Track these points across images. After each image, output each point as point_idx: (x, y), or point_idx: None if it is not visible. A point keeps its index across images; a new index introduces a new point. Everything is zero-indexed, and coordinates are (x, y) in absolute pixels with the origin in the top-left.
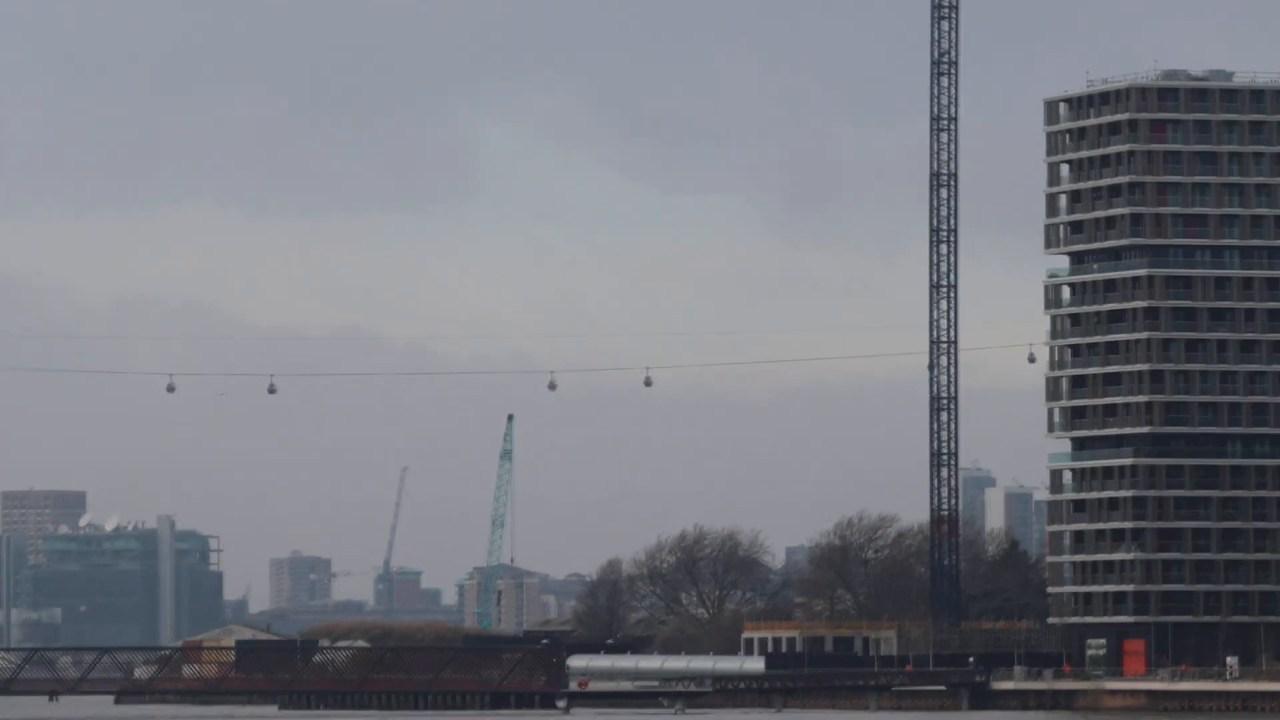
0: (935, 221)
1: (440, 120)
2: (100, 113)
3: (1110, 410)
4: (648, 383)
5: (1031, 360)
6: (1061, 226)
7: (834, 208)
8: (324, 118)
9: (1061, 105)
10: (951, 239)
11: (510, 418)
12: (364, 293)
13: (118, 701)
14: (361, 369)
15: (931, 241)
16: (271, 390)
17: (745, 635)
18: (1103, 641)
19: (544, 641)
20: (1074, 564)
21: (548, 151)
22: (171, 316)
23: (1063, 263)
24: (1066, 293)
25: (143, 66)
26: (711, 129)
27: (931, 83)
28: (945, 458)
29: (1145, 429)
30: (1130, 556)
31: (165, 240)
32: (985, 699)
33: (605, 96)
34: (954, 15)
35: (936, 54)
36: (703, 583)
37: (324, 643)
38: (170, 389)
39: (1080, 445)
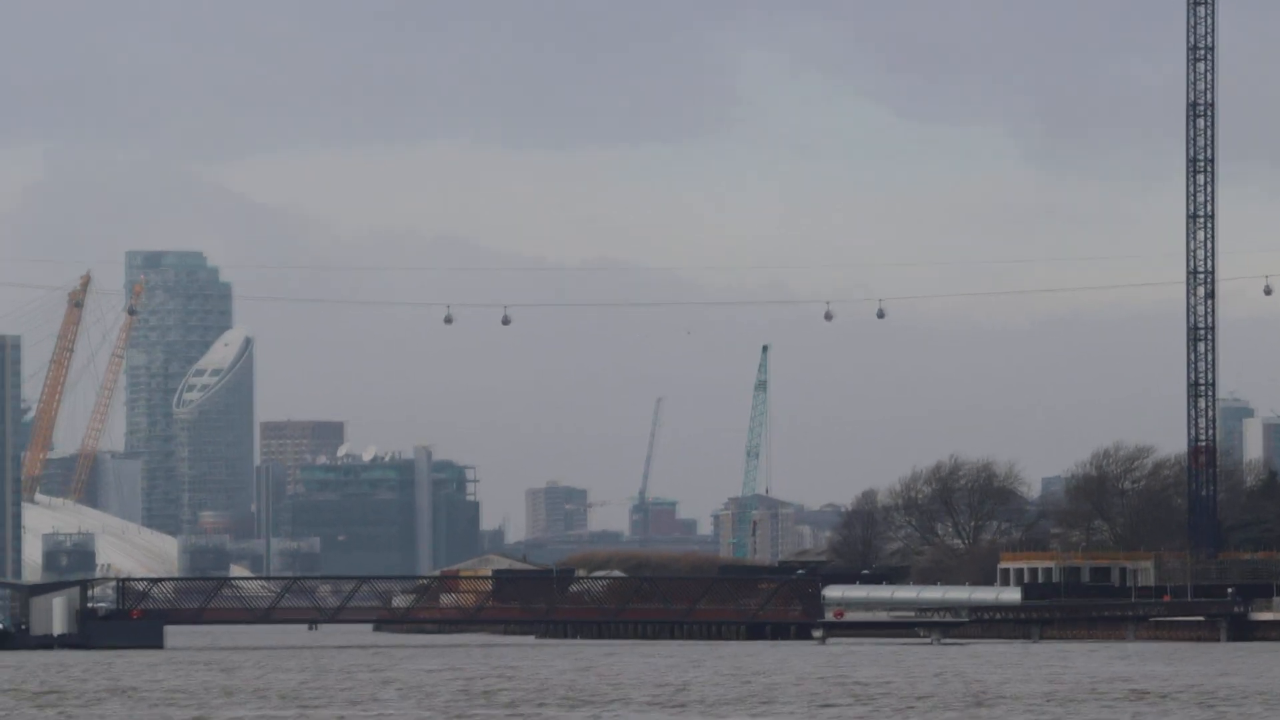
0: (1192, 152)
1: (698, 51)
2: (359, 47)
3: None
4: (880, 314)
5: (1267, 293)
6: None
7: (1092, 138)
8: (579, 51)
9: None
10: (1209, 169)
11: (765, 348)
12: (619, 224)
13: (376, 630)
14: (616, 299)
15: (1189, 172)
16: (505, 321)
17: (1001, 566)
18: None
19: (800, 572)
20: None
21: (806, 82)
22: (427, 249)
23: None
24: None
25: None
26: (970, 61)
27: (1188, 12)
28: (1203, 388)
29: None
30: None
31: (422, 174)
32: (1244, 630)
33: (864, 28)
34: None
35: None
36: (958, 513)
37: (580, 572)
38: (448, 320)
39: None
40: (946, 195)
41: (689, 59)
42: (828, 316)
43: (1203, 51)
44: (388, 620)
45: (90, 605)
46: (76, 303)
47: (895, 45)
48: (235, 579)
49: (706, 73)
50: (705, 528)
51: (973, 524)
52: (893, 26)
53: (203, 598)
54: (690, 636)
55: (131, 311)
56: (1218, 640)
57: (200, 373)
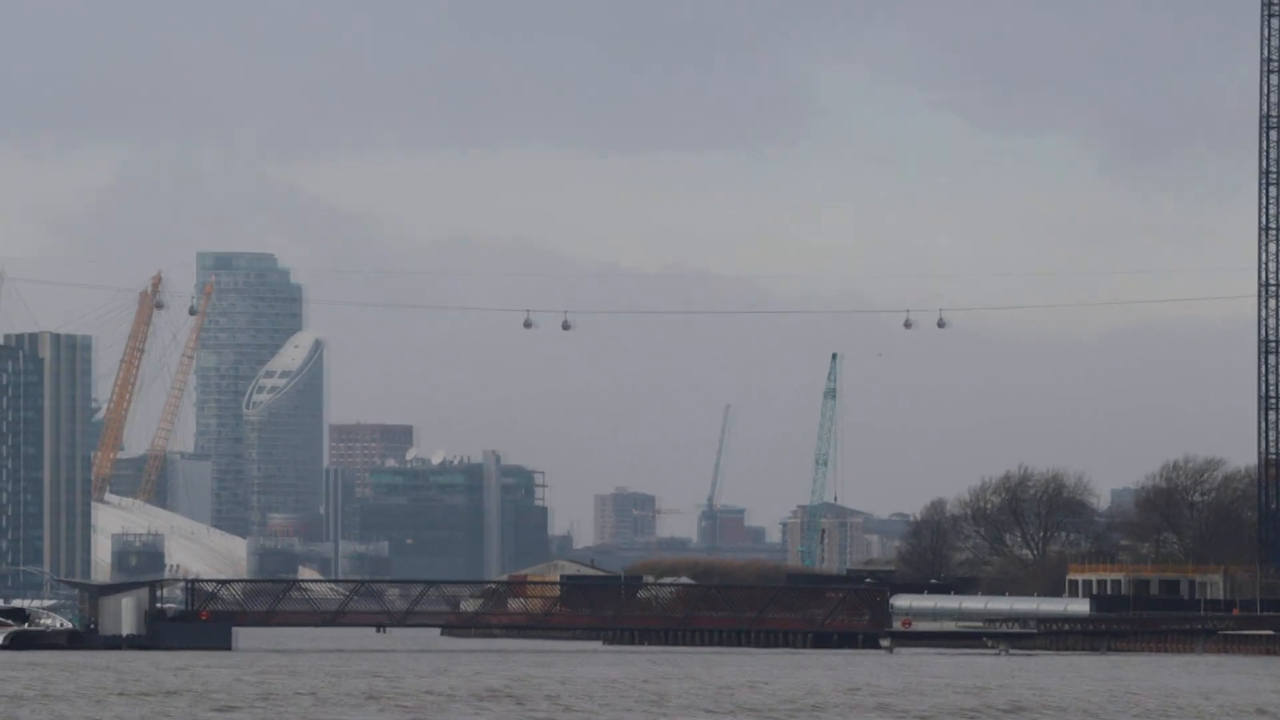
0: (1265, 164)
1: (775, 60)
2: (437, 52)
3: None
4: (941, 324)
5: None
6: None
7: (1166, 150)
8: (660, 59)
9: None
10: None
11: (835, 356)
12: (693, 231)
13: (444, 634)
14: (688, 306)
15: (1261, 184)
16: (566, 327)
17: (1070, 577)
18: None
19: (868, 580)
20: None
21: (882, 93)
22: (500, 254)
23: None
24: None
25: (478, 5)
26: (1045, 71)
27: (1262, 24)
28: (1274, 401)
29: None
30: None
31: (498, 179)
32: None
33: (941, 38)
34: None
35: None
36: (1027, 524)
37: (648, 579)
38: (527, 324)
39: None
40: (1020, 206)
41: (767, 68)
42: (907, 325)
43: (1275, 64)
44: (455, 625)
45: (159, 606)
46: (157, 303)
47: (971, 56)
48: (304, 581)
49: (784, 82)
50: (773, 535)
51: (1041, 535)
52: (969, 37)
53: (271, 600)
54: (757, 644)
55: (192, 311)
56: None
57: (270, 374)
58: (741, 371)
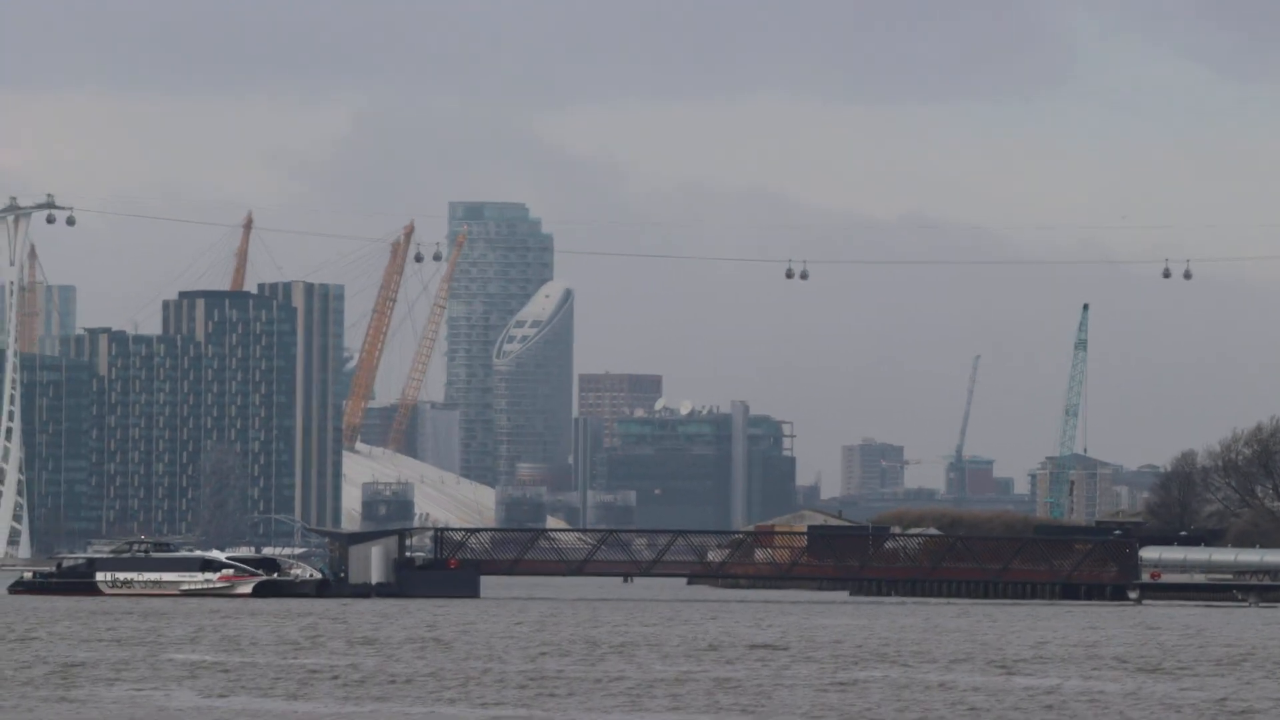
0: None
1: (1023, 9)
2: (675, 2)
3: None
4: (1166, 274)
5: None
6: None
7: None
8: (895, 6)
9: None
10: None
11: (1085, 306)
12: (932, 178)
13: (690, 584)
14: (928, 255)
15: None
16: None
17: None
18: None
19: (1116, 532)
20: None
21: (1122, 40)
22: (739, 203)
23: None
24: None
25: None
26: None
27: None
28: None
29: None
30: None
31: (740, 127)
32: None
33: None
34: None
35: None
36: (1278, 476)
37: (895, 530)
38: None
39: None
40: (1267, 155)
41: (1012, 15)
42: (1165, 274)
43: None
44: (702, 574)
45: (408, 554)
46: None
47: (1220, 3)
48: (551, 531)
49: (1028, 29)
50: (1021, 487)
51: None
52: None
53: (518, 549)
54: (1004, 595)
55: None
56: None
57: (520, 324)
58: (989, 321)
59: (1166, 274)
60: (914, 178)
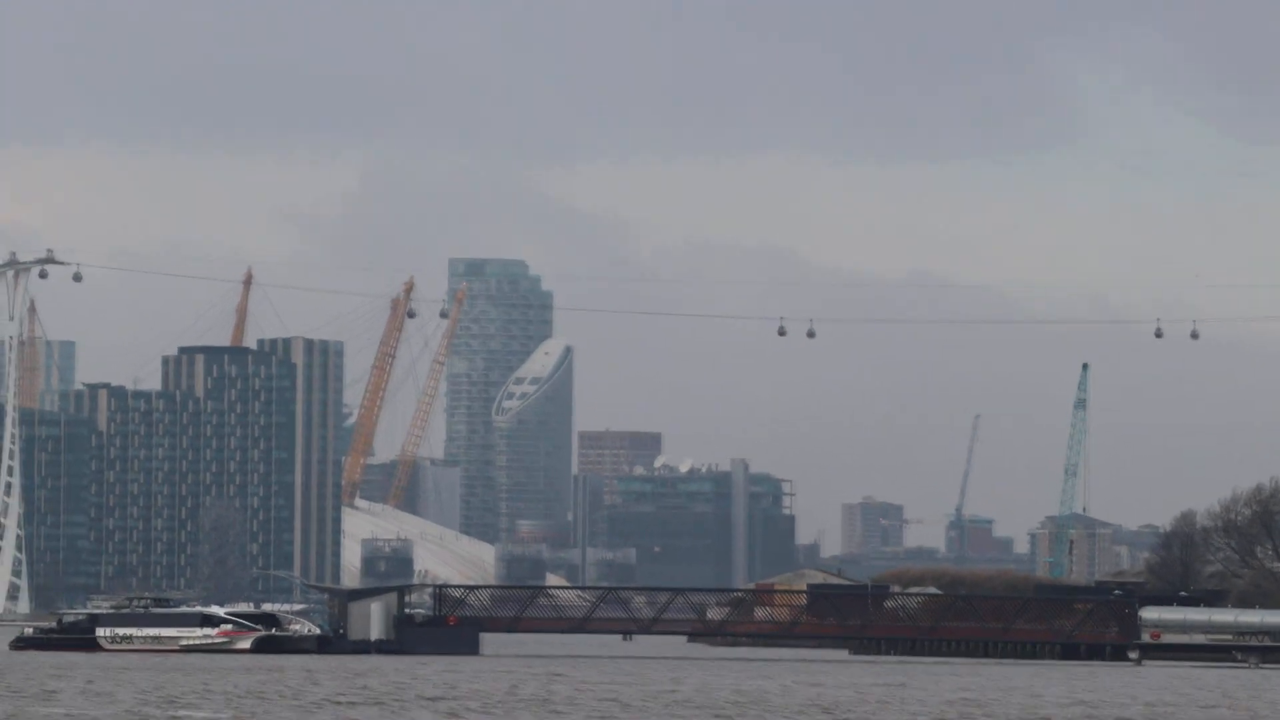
0: None
1: (1030, 68)
2: (687, 57)
3: None
4: (1158, 334)
5: None
6: None
7: None
8: (905, 66)
9: None
10: None
11: (1085, 366)
12: (940, 238)
13: (690, 641)
14: (933, 314)
15: None
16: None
17: None
18: None
19: (1116, 592)
20: None
21: (1130, 102)
22: (747, 260)
23: None
24: None
25: (729, 10)
26: None
27: None
28: None
29: None
30: None
31: (746, 186)
32: None
33: (1197, 45)
34: None
35: None
36: (1279, 536)
37: (895, 588)
38: (781, 332)
39: None
40: (1274, 215)
41: (1020, 75)
42: (1158, 334)
43: None
44: (702, 632)
45: (407, 611)
46: (409, 312)
47: (1225, 62)
48: (551, 588)
49: (1036, 89)
50: (1021, 546)
51: None
52: (1225, 44)
53: (519, 606)
54: (1005, 655)
55: (443, 315)
56: None
57: (520, 381)
58: (990, 380)
59: (1159, 334)
60: (921, 236)
